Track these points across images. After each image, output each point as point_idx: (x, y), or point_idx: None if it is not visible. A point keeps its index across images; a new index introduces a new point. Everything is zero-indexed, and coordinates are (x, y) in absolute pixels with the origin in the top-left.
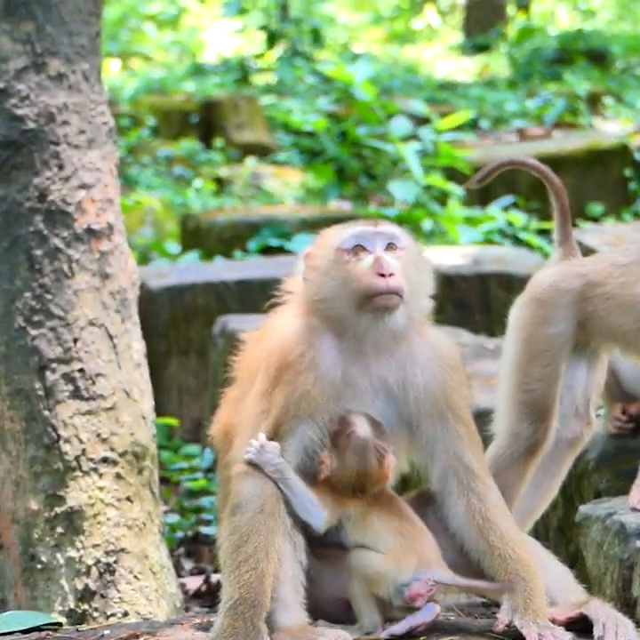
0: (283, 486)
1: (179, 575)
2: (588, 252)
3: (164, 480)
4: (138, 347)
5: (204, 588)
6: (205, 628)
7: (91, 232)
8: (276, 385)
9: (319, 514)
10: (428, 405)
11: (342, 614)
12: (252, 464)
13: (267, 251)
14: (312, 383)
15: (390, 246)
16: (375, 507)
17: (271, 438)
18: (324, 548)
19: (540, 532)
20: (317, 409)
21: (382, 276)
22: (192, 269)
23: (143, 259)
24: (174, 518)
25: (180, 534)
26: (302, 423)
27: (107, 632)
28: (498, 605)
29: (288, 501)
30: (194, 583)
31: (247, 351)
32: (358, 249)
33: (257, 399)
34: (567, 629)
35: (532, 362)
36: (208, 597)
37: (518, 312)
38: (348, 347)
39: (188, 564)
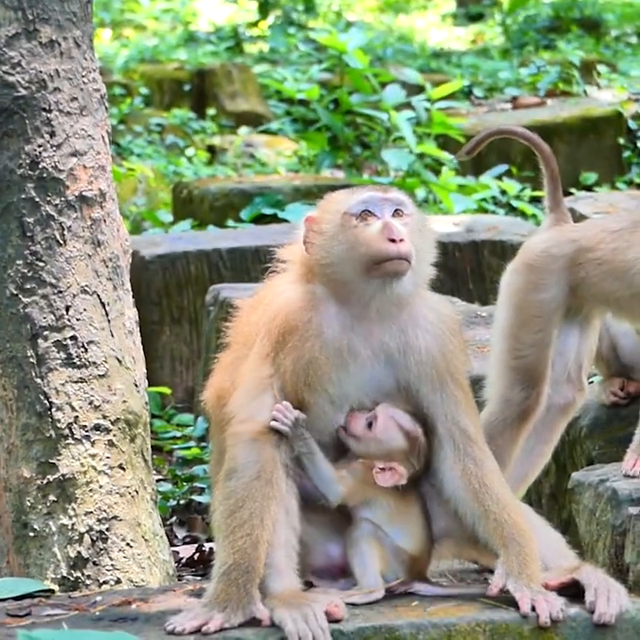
0: (306, 460)
1: (171, 544)
2: (580, 220)
3: (156, 449)
4: (130, 314)
5: (196, 556)
6: (198, 594)
7: (83, 199)
8: (280, 350)
9: (336, 489)
10: (429, 369)
11: (334, 579)
12: (253, 430)
13: (260, 219)
14: (319, 350)
15: (397, 212)
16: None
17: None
18: (317, 514)
19: (533, 498)
20: (323, 377)
21: (392, 241)
22: (185, 238)
23: (136, 228)
24: (167, 487)
25: (172, 503)
26: (309, 390)
27: (99, 598)
28: (491, 571)
29: (303, 472)
30: (186, 552)
31: (242, 317)
32: (366, 214)
33: (258, 363)
34: (559, 595)
35: (523, 328)
36: (201, 566)
37: (510, 278)
38: (352, 312)
39: (180, 533)
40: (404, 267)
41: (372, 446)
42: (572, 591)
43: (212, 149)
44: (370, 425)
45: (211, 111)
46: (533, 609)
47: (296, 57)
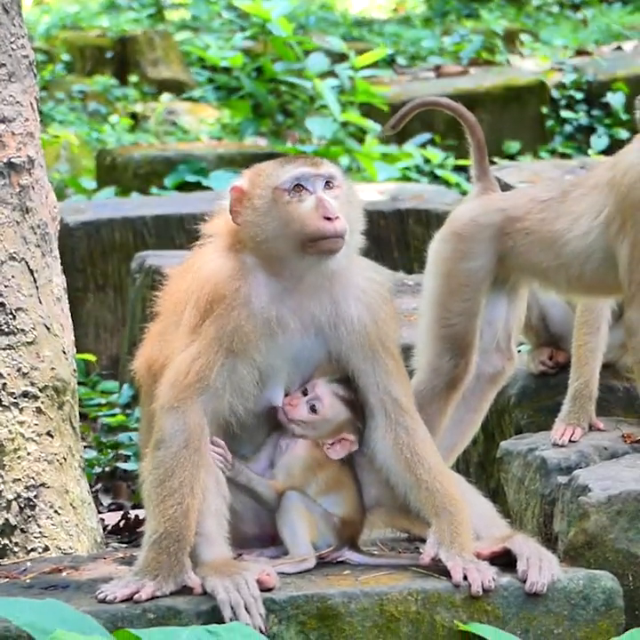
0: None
1: (97, 511)
2: (506, 188)
3: (81, 416)
4: (58, 281)
5: (122, 523)
6: (129, 562)
7: (11, 166)
8: (206, 318)
9: (274, 497)
10: (360, 339)
11: (265, 547)
12: (178, 399)
13: (183, 187)
14: (245, 319)
15: (328, 185)
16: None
17: (204, 373)
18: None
19: (462, 467)
20: (249, 345)
21: (328, 219)
22: (109, 205)
23: (59, 194)
24: (92, 454)
25: (97, 470)
26: (235, 358)
27: (29, 566)
28: (423, 541)
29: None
30: (112, 519)
31: (171, 285)
32: (298, 188)
33: (187, 333)
34: (491, 564)
35: (451, 297)
36: (126, 533)
37: (437, 246)
38: (283, 285)
39: (106, 500)
40: (339, 244)
41: (320, 427)
42: (504, 560)
43: (134, 116)
44: (313, 408)
45: (133, 78)
46: (465, 578)
47: (219, 24)
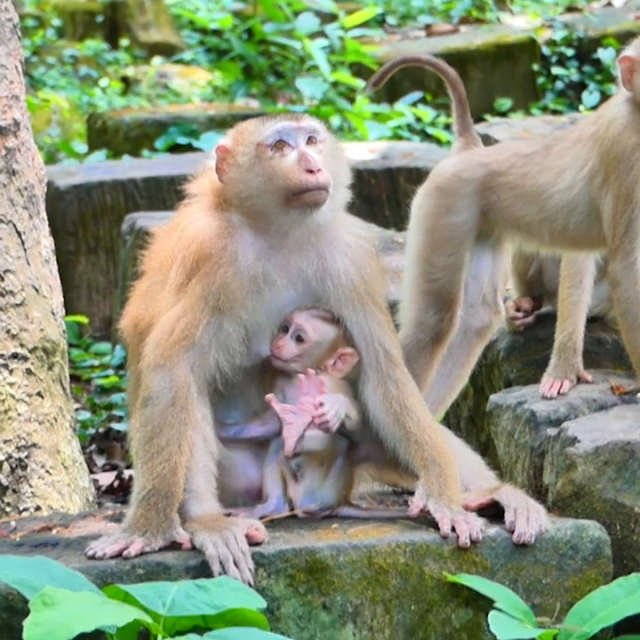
0: None
1: (91, 471)
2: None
3: (74, 378)
4: (46, 243)
5: (116, 483)
6: (118, 519)
7: None
8: (192, 276)
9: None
10: (348, 292)
11: (253, 501)
12: (165, 356)
13: (174, 149)
14: (231, 277)
15: (311, 140)
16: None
17: (190, 331)
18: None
19: (452, 422)
20: (236, 303)
21: (310, 172)
22: (100, 168)
23: (50, 158)
24: (85, 415)
25: (91, 431)
26: (221, 316)
27: (19, 525)
28: (411, 493)
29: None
30: (106, 479)
31: (157, 244)
32: (281, 144)
33: (173, 292)
34: (479, 515)
35: (435, 251)
36: (120, 493)
37: (421, 202)
38: (269, 241)
39: (100, 461)
40: (322, 197)
41: (314, 352)
42: (492, 512)
43: (125, 80)
44: (299, 338)
45: (124, 42)
46: (453, 530)
47: None
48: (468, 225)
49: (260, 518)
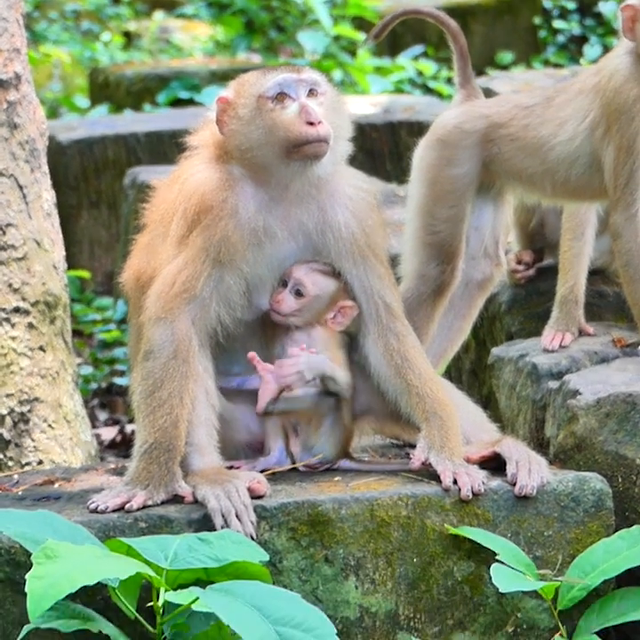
0: None
1: (93, 426)
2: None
3: (77, 333)
4: (48, 196)
5: (118, 438)
6: (120, 472)
7: None
8: (193, 229)
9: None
10: (349, 245)
11: (255, 455)
12: (166, 309)
13: (176, 103)
14: (232, 229)
15: (312, 92)
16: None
17: (191, 283)
18: (236, 393)
19: (454, 375)
20: (236, 256)
21: (311, 124)
22: (101, 122)
23: (52, 113)
24: (88, 370)
25: (93, 386)
26: (221, 269)
27: (21, 478)
28: (413, 446)
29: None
30: (108, 434)
31: (158, 197)
32: (282, 96)
33: (174, 245)
34: (481, 468)
35: (437, 203)
36: (123, 447)
37: (422, 154)
38: (270, 194)
39: (102, 415)
40: (323, 149)
41: (314, 306)
42: (494, 464)
43: (127, 35)
44: (298, 293)
45: None
46: (455, 482)
47: None
48: (469, 177)
49: (262, 471)
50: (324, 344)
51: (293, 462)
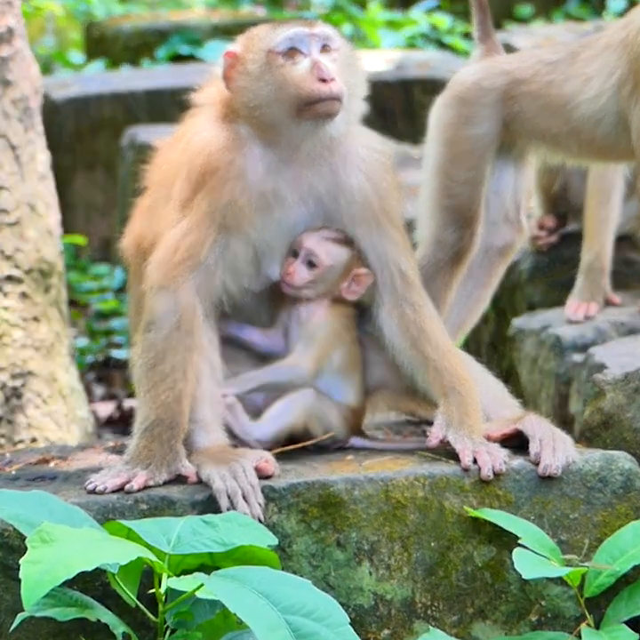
0: None
1: (90, 401)
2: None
3: (72, 303)
4: (42, 158)
5: (116, 414)
6: (120, 451)
7: None
8: (198, 191)
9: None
10: (363, 210)
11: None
12: (168, 277)
13: (176, 59)
14: (239, 193)
15: (325, 48)
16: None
17: (195, 250)
18: (243, 364)
19: (472, 347)
20: (244, 221)
21: (323, 81)
22: (97, 79)
23: (45, 69)
24: (84, 342)
25: (90, 359)
26: (228, 235)
27: (14, 457)
28: (429, 423)
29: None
30: (106, 409)
31: (161, 158)
32: (293, 51)
33: (177, 208)
34: (502, 446)
35: (454, 165)
36: (121, 424)
37: (439, 112)
38: (279, 155)
39: (99, 390)
40: (336, 107)
41: (328, 277)
42: (516, 442)
43: None
44: (310, 263)
45: None
46: (475, 461)
47: None
48: (488, 137)
49: (269, 449)
50: (321, 321)
51: (294, 440)
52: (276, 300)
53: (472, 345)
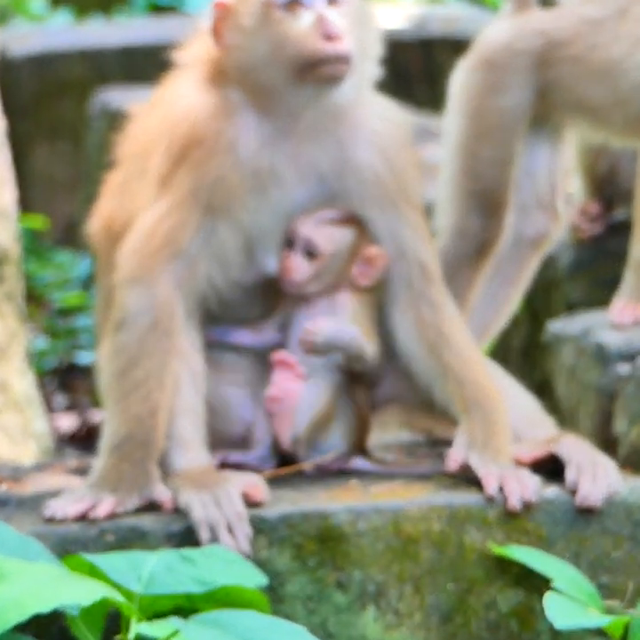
0: None
1: (50, 413)
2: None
3: (29, 297)
4: None
5: (80, 428)
6: (83, 472)
7: None
8: (180, 166)
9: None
10: (375, 189)
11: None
12: (144, 267)
13: (156, 9)
14: (229, 169)
15: (332, 0)
16: None
17: (176, 235)
18: (230, 371)
19: (499, 355)
20: (234, 202)
21: (329, 38)
22: (63, 33)
23: (1, 20)
24: (43, 343)
25: (50, 362)
26: (214, 218)
27: None
28: (448, 443)
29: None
30: (68, 423)
31: (136, 126)
32: (294, 4)
33: (155, 186)
34: (534, 472)
35: (480, 141)
36: (86, 440)
37: (463, 79)
38: (276, 126)
39: (60, 400)
40: (343, 70)
41: (333, 266)
42: (550, 468)
43: None
44: (310, 254)
45: None
46: (501, 489)
47: None
48: (520, 108)
49: (258, 471)
50: (351, 313)
51: (286, 462)
52: (271, 296)
53: (500, 352)
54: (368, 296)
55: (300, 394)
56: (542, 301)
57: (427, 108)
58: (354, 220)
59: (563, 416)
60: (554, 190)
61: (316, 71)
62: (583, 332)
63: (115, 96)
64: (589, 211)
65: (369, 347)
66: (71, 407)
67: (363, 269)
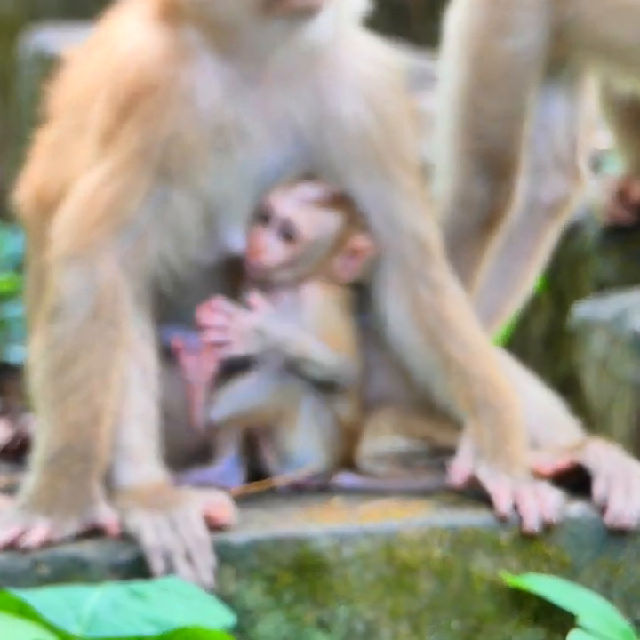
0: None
1: None
2: None
3: None
4: None
5: (9, 438)
6: (11, 490)
7: None
8: (126, 121)
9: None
10: (361, 148)
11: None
12: (83, 243)
13: None
14: (186, 124)
15: None
16: None
17: (121, 204)
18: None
19: (516, 345)
20: (191, 164)
21: None
22: None
23: None
24: None
25: None
26: (168, 183)
27: None
28: (451, 452)
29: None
30: None
31: (72, 72)
32: None
33: (96, 145)
34: (556, 485)
35: (485, 91)
36: (16, 453)
37: (464, 16)
38: (241, 70)
39: None
40: (318, 1)
41: (313, 254)
42: (575, 480)
43: None
44: (286, 236)
45: None
46: (516, 507)
47: None
48: (532, 50)
49: (223, 488)
50: (317, 311)
51: (258, 476)
52: (236, 278)
53: (516, 342)
54: (343, 292)
55: (212, 372)
56: (567, 280)
57: (427, 48)
58: (344, 202)
59: (591, 417)
60: (574, 147)
61: (285, 2)
62: (616, 316)
63: (48, 37)
64: (630, 194)
65: (323, 353)
66: (1, 413)
67: (347, 263)
